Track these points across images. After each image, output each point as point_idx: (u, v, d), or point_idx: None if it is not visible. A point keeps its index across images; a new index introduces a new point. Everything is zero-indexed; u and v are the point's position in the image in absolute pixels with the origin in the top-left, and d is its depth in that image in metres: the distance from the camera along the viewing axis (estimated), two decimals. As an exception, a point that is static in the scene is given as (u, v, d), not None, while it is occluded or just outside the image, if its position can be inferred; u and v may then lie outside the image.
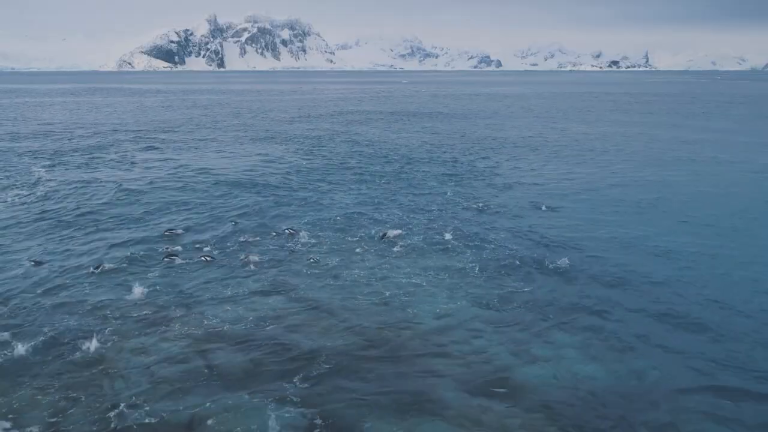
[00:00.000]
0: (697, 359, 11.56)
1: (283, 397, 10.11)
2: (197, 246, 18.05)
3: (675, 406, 10.07)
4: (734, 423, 9.66)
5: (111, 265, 16.22)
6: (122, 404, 9.85)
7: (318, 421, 9.50)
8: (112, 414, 9.60)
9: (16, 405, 9.86)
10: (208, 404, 9.89)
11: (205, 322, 12.87)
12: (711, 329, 12.80)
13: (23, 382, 10.54)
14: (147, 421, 9.48)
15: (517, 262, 16.68)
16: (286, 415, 9.62)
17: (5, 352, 11.56)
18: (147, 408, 9.78)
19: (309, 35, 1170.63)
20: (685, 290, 14.91)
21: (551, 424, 9.52)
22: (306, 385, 10.50)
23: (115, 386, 10.40)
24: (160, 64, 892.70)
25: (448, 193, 25.73)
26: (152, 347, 11.73)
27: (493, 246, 18.07)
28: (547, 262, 16.57)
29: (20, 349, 11.58)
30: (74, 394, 10.15)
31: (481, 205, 23.44)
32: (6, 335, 12.23)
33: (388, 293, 14.46)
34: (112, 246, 18.20)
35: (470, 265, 16.38)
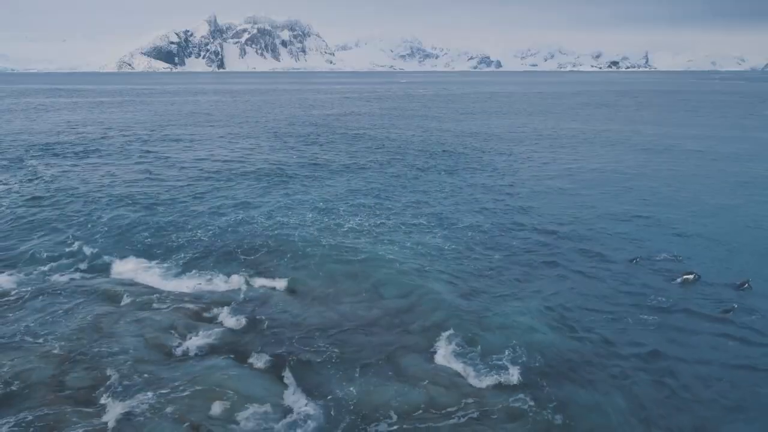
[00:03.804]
0: (642, 325, 12.82)
1: (263, 363, 11.36)
2: (194, 234, 19.30)
3: (621, 363, 11.37)
4: (672, 374, 10.95)
5: (120, 251, 17.57)
6: (118, 365, 11.00)
7: (292, 386, 10.67)
8: (108, 373, 10.72)
9: (22, 367, 10.88)
10: (196, 368, 11.01)
11: (197, 301, 14.16)
12: (660, 304, 13.98)
13: (29, 347, 11.68)
14: (140, 378, 10.56)
15: (486, 243, 18.08)
16: (265, 378, 10.87)
17: (12, 323, 12.71)
18: (140, 369, 10.91)
19: (309, 36, 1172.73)
20: (641, 264, 16.09)
21: (501, 381, 10.80)
22: (283, 354, 11.70)
23: (112, 350, 11.60)
24: (160, 65, 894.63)
25: (433, 183, 26.94)
26: (147, 319, 12.92)
27: (465, 228, 19.44)
28: (513, 243, 17.91)
29: (27, 319, 12.81)
30: (74, 356, 11.29)
31: (459, 191, 24.71)
32: (14, 309, 13.49)
33: (363, 275, 15.73)
34: (119, 235, 19.49)
35: (439, 243, 17.73)
